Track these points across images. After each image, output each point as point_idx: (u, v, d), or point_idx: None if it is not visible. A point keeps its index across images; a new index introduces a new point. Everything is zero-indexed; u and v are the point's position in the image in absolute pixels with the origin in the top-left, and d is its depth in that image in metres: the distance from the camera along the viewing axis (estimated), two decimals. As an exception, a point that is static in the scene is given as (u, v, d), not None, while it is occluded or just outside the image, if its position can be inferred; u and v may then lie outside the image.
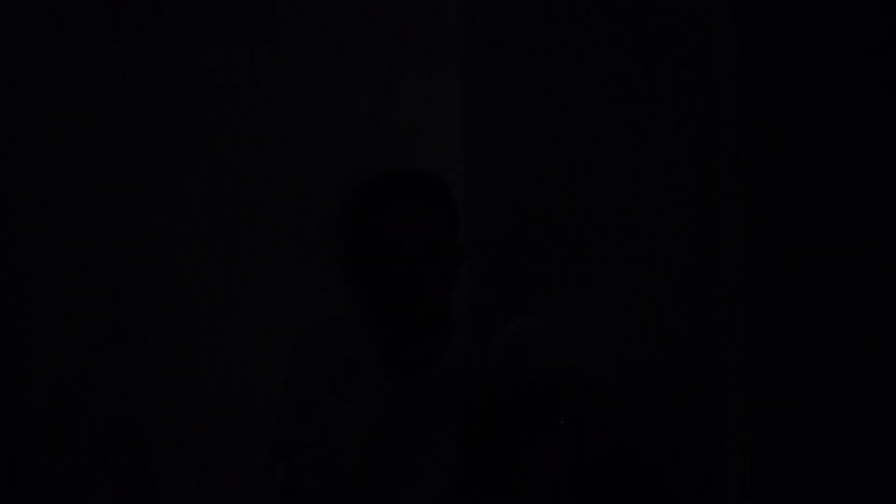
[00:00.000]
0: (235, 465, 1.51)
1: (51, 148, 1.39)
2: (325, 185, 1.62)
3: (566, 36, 1.52)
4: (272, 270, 1.56)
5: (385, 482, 1.40)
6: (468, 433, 1.38)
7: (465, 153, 1.76)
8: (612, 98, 1.42)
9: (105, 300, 1.42)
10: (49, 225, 1.39)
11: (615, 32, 1.41)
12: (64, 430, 1.39)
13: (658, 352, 1.34)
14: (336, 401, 1.45)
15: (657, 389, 1.34)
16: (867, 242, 1.12)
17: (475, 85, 1.75)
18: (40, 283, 1.38)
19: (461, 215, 1.50)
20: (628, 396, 1.36)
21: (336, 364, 1.47)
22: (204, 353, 1.50)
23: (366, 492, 1.41)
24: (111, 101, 1.43)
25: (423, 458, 1.39)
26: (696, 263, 1.28)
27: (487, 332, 1.44)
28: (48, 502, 1.38)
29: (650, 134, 1.35)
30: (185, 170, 1.49)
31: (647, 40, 1.35)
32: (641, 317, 1.37)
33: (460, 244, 1.49)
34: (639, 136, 1.37)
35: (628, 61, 1.39)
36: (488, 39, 1.72)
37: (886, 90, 1.09)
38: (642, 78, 1.36)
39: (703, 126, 1.27)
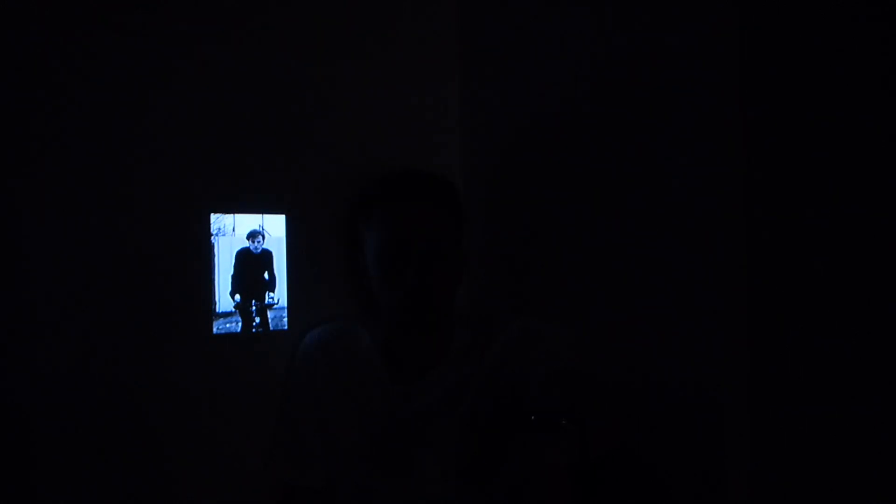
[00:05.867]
0: (236, 465, 1.51)
1: (50, 147, 1.39)
2: (325, 186, 1.62)
3: (567, 35, 1.52)
4: (273, 271, 1.56)
5: (385, 482, 1.40)
6: (469, 434, 1.38)
7: (465, 153, 1.76)
8: (611, 98, 1.43)
9: (105, 299, 1.42)
10: (50, 223, 1.39)
11: (616, 31, 1.41)
12: (64, 429, 1.39)
13: (658, 352, 1.34)
14: (337, 401, 1.45)
15: (657, 389, 1.34)
16: (867, 243, 1.13)
17: (475, 85, 1.75)
18: (40, 282, 1.38)
19: (466, 216, 1.51)
20: (629, 396, 1.36)
21: (337, 364, 1.47)
22: (205, 353, 1.50)
23: (366, 492, 1.41)
24: (115, 103, 1.43)
25: (423, 459, 1.39)
26: (696, 264, 1.29)
27: (487, 332, 1.44)
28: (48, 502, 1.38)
29: (651, 135, 1.35)
30: (187, 169, 1.49)
31: (647, 39, 1.35)
32: (641, 317, 1.37)
33: (465, 244, 1.49)
34: (640, 136, 1.37)
35: (629, 61, 1.39)
36: (488, 39, 1.72)
37: (886, 90, 1.10)
38: (643, 78, 1.36)
39: (704, 127, 1.27)
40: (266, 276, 1.56)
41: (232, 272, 1.52)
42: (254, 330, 1.55)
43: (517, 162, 1.65)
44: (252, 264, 1.55)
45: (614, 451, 1.09)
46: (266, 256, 1.56)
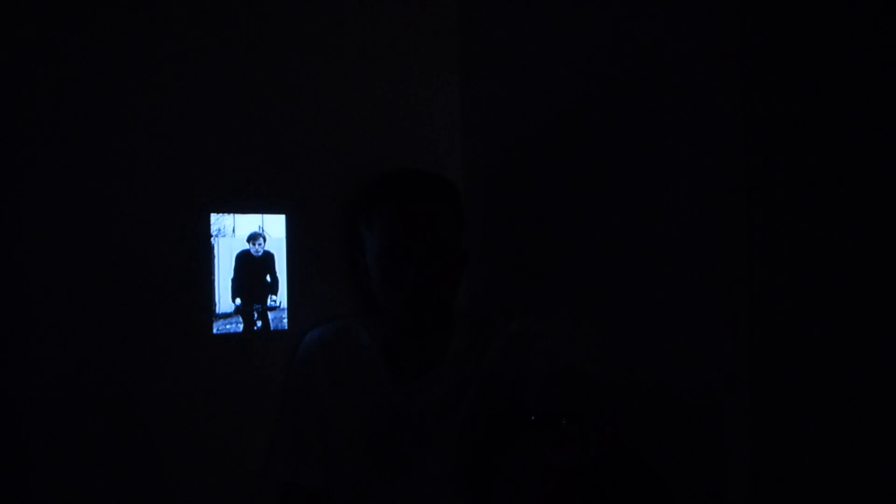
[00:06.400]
0: (236, 465, 1.51)
1: (51, 145, 1.39)
2: (325, 186, 1.62)
3: (568, 35, 1.52)
4: (275, 272, 1.56)
5: (385, 482, 1.40)
6: (469, 434, 1.38)
7: (466, 153, 1.76)
8: (612, 98, 1.42)
9: (105, 299, 1.42)
10: (50, 223, 1.39)
11: (616, 32, 1.41)
12: (63, 429, 1.39)
13: (658, 351, 1.34)
14: (337, 401, 1.45)
15: (658, 389, 1.34)
16: (868, 244, 1.12)
17: (476, 85, 1.75)
18: (41, 282, 1.38)
19: (466, 216, 1.51)
20: (629, 396, 1.36)
21: (337, 364, 1.47)
22: (205, 353, 1.50)
23: (365, 491, 1.41)
24: (116, 103, 1.43)
25: (423, 459, 1.39)
26: (697, 264, 1.28)
27: (487, 332, 1.44)
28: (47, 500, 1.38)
29: (652, 135, 1.35)
30: (187, 171, 1.49)
31: (648, 40, 1.35)
32: (641, 317, 1.37)
33: (464, 245, 1.49)
34: (640, 136, 1.37)
35: (629, 61, 1.39)
36: (489, 39, 1.72)
37: (887, 90, 1.10)
38: (643, 78, 1.36)
39: (704, 127, 1.27)
40: (268, 278, 1.56)
41: (232, 275, 1.52)
42: (255, 329, 1.54)
43: (518, 162, 1.65)
44: (253, 267, 1.55)
45: (614, 451, 1.09)
46: (268, 259, 1.56)
